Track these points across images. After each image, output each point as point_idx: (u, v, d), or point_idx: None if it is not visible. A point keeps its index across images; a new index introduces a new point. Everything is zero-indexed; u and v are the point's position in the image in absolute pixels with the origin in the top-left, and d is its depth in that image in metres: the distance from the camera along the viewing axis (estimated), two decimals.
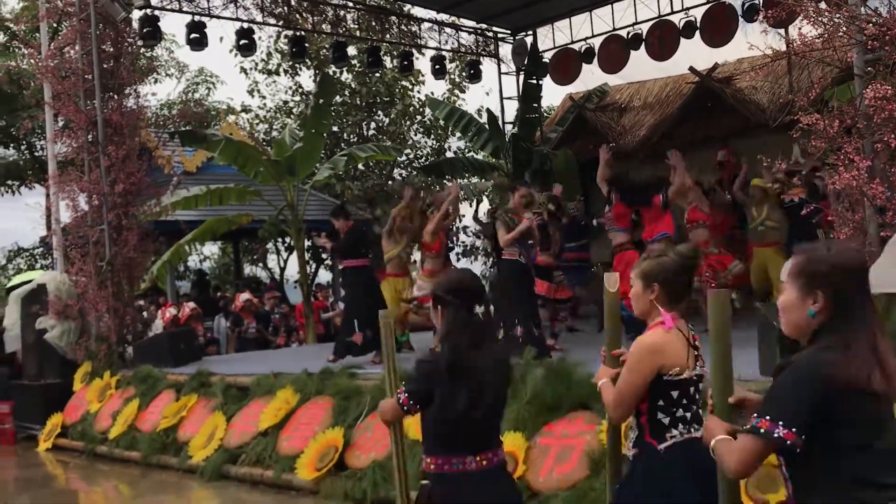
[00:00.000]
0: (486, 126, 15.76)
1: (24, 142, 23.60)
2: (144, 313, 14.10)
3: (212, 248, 26.50)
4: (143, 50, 15.55)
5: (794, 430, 2.37)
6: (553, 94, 45.22)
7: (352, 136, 22.52)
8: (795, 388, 2.41)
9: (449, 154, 23.24)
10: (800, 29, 6.78)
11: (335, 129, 21.86)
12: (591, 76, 16.09)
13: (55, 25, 14.47)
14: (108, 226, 12.29)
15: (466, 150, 22.27)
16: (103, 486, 9.34)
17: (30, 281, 13.30)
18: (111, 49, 12.56)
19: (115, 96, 12.70)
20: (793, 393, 2.41)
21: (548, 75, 16.04)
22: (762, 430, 2.41)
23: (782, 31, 8.28)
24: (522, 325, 8.48)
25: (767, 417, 2.41)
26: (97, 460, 10.00)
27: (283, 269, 24.81)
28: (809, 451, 2.40)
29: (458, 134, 18.73)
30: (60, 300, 12.14)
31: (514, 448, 6.41)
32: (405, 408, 3.49)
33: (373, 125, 23.17)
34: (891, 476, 2.37)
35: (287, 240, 22.11)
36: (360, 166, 20.89)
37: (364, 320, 9.56)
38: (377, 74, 21.13)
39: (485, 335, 3.55)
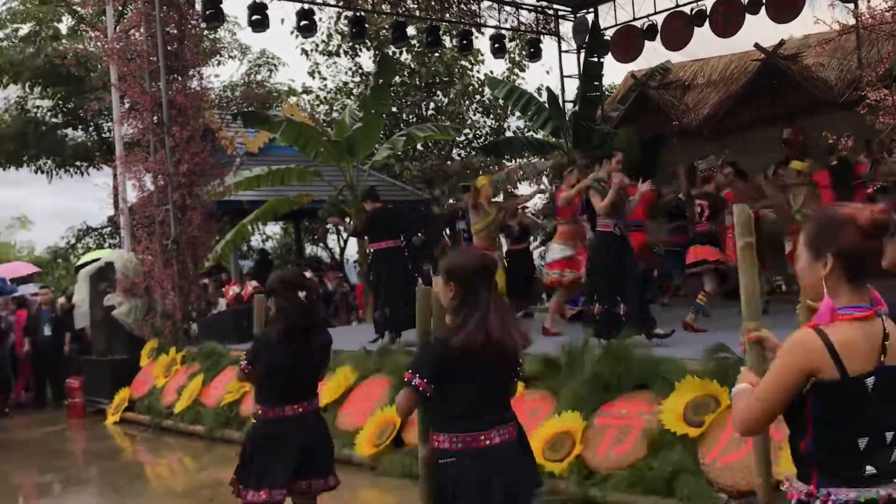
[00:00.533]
0: (546, 105, 15.65)
1: (92, 123, 24.13)
2: (208, 291, 14.38)
3: (274, 229, 26.83)
4: (206, 32, 15.77)
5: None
6: (614, 72, 44.67)
7: (411, 117, 22.57)
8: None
9: (508, 134, 23.13)
10: (868, 2, 6.59)
11: (394, 109, 21.93)
12: (653, 53, 15.87)
13: (121, 8, 14.70)
14: (173, 205, 12.52)
15: (526, 130, 22.15)
16: (168, 459, 9.57)
17: (98, 259, 13.64)
18: (175, 31, 12.77)
19: (179, 78, 12.91)
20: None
21: (609, 53, 15.86)
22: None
23: (850, 5, 8.07)
24: (625, 303, 7.87)
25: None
26: (163, 434, 10.26)
27: (342, 249, 25.03)
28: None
29: (517, 113, 18.63)
30: (127, 278, 12.42)
31: (570, 427, 6.40)
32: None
33: (432, 105, 23.18)
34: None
35: (347, 220, 22.29)
36: (419, 146, 20.92)
37: (385, 299, 9.74)
38: (436, 54, 21.12)
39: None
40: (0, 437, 11.16)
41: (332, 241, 26.05)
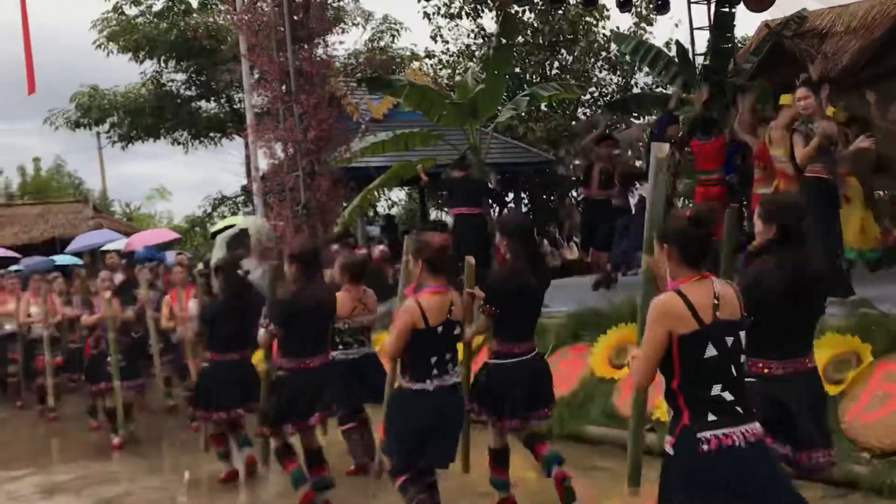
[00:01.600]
0: (676, 59, 15.15)
1: (224, 95, 24.89)
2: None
3: (399, 194, 27.11)
4: (329, 0, 15.95)
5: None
6: (747, 23, 42.81)
7: (534, 77, 22.26)
8: None
9: (636, 90, 22.55)
10: None
11: (517, 70, 21.66)
12: (787, 1, 15.10)
13: None
14: (303, 172, 12.80)
15: (654, 86, 21.55)
16: None
17: (233, 226, 14.11)
18: (300, 0, 12.96)
19: (305, 46, 13.13)
20: None
21: (741, 3, 15.18)
22: None
23: None
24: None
25: None
26: None
27: None
28: None
29: (645, 69, 18.11)
30: (261, 243, 12.80)
31: None
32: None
33: (556, 64, 22.80)
34: None
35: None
36: (543, 107, 20.66)
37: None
38: (560, 12, 20.72)
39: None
40: None
41: None
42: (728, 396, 3.03)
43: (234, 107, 24.82)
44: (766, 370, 3.88)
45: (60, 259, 17.85)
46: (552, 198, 22.14)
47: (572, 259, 16.32)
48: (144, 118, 24.31)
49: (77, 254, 17.83)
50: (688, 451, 2.99)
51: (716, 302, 3.05)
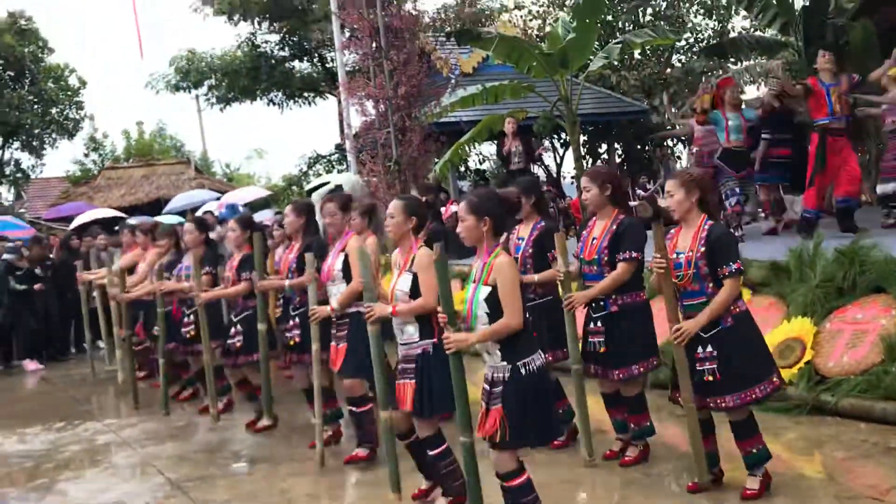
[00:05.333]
0: (774, 1, 14.62)
1: (316, 54, 25.22)
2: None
3: (490, 149, 27.07)
4: None
5: None
6: None
7: (626, 24, 21.80)
8: None
9: (732, 35, 21.88)
10: None
11: (609, 17, 21.25)
12: None
13: None
14: (394, 128, 12.94)
15: (752, 29, 20.86)
16: None
17: (328, 183, 14.37)
18: None
19: (395, 2, 13.21)
20: None
21: None
22: None
23: None
24: None
25: None
26: None
27: (559, 166, 24.88)
28: None
29: (741, 12, 17.56)
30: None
31: (801, 333, 6.14)
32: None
33: (649, 10, 22.27)
34: None
35: (562, 135, 22.11)
36: (636, 54, 20.26)
37: None
38: None
39: None
40: None
41: (547, 157, 25.97)
42: None
43: (327, 66, 25.12)
44: None
45: (164, 219, 18.51)
46: (646, 148, 21.79)
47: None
48: (240, 80, 24.85)
49: (181, 213, 18.44)
50: None
51: None
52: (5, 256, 12.64)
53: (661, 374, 6.00)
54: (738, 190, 9.66)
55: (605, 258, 5.08)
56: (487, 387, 4.04)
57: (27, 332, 12.50)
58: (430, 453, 4.70)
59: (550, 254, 5.49)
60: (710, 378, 4.43)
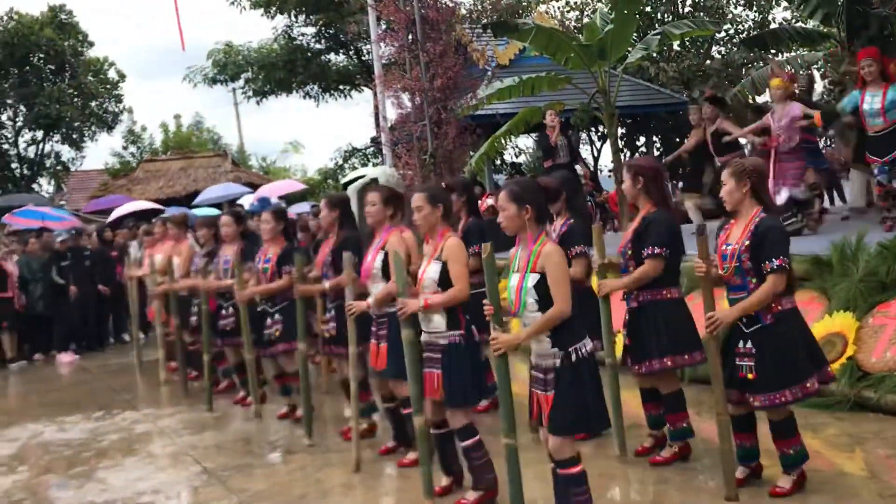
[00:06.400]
0: None
1: (352, 47, 25.28)
2: None
3: (526, 142, 26.99)
4: None
5: None
6: None
7: (666, 15, 21.62)
8: None
9: (773, 26, 21.59)
10: None
11: (648, 8, 21.08)
12: None
13: None
14: (430, 121, 12.90)
15: (793, 20, 20.57)
16: None
17: (363, 176, 14.38)
18: None
19: None
20: None
21: None
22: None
23: None
24: None
25: None
26: None
27: (596, 159, 24.74)
28: None
29: (783, 3, 17.31)
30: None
31: (843, 327, 6.03)
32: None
33: (688, 1, 22.07)
34: None
35: (600, 128, 21.96)
36: (675, 45, 20.06)
37: None
38: None
39: None
40: None
41: (584, 151, 25.84)
42: None
43: (363, 58, 25.18)
44: None
45: (198, 211, 18.66)
46: (685, 141, 21.59)
47: None
48: (277, 72, 24.98)
49: (216, 205, 18.57)
50: None
51: None
52: (62, 238, 12.92)
53: (699, 370, 5.91)
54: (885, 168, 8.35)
55: (630, 252, 5.04)
56: (540, 374, 4.02)
57: (66, 323, 12.70)
58: (463, 444, 4.69)
59: (571, 251, 5.45)
60: (749, 375, 4.34)
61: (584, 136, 24.53)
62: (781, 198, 8.98)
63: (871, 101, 8.06)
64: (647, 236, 4.94)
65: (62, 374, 11.56)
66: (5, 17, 27.74)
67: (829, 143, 12.00)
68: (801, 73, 18.05)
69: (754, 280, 4.31)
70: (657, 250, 4.88)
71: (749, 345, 4.35)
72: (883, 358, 5.76)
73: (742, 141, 11.32)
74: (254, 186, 21.71)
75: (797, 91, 10.11)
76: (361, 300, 5.53)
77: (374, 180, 13.49)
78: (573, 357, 3.92)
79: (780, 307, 4.32)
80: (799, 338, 4.39)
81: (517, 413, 4.14)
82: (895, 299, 6.03)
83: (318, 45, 25.36)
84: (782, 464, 4.46)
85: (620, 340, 5.32)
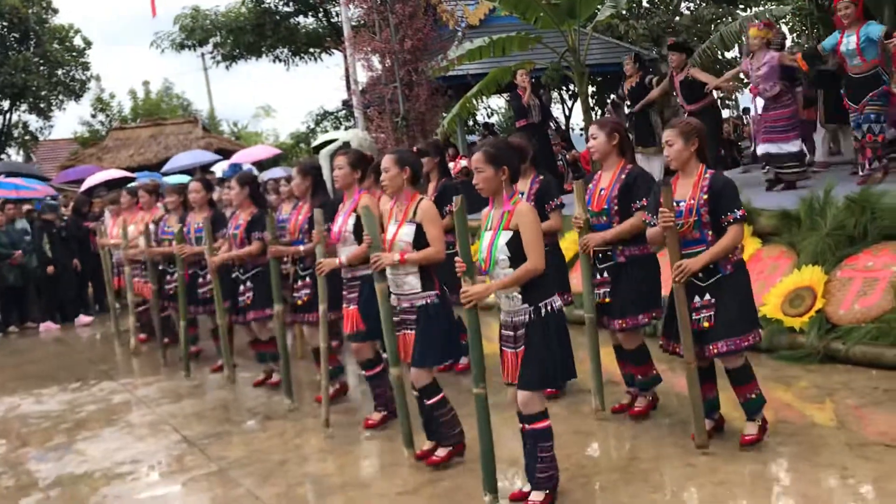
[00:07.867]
0: None
1: (321, 9, 24.95)
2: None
3: (498, 103, 26.90)
4: None
5: None
6: None
7: None
8: None
9: None
10: None
11: None
12: None
13: None
14: (400, 83, 12.82)
15: None
16: None
17: (335, 140, 14.29)
18: None
19: None
20: None
21: None
22: None
23: None
24: None
25: None
26: None
27: (567, 118, 24.72)
28: None
29: None
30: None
31: (811, 281, 6.12)
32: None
33: None
34: None
35: (571, 87, 21.91)
36: (644, 3, 20.00)
37: None
38: None
39: None
40: None
41: (556, 109, 25.80)
42: None
43: (332, 21, 24.88)
44: None
45: (169, 179, 18.49)
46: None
47: None
48: (245, 36, 24.65)
49: (188, 172, 18.41)
50: None
51: None
52: (45, 216, 12.87)
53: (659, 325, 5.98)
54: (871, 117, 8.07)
55: (616, 208, 5.05)
56: (510, 332, 4.09)
57: (49, 294, 12.73)
58: (427, 402, 4.77)
59: (548, 205, 5.66)
60: (706, 325, 4.45)
61: (554, 94, 24.49)
62: (762, 149, 9.07)
63: (847, 41, 8.07)
64: (636, 190, 4.99)
65: (38, 346, 11.50)
66: None
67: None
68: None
69: (711, 233, 4.43)
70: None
71: (707, 297, 4.47)
72: (851, 310, 5.86)
73: (715, 95, 11.37)
74: (225, 152, 21.56)
75: (774, 39, 10.15)
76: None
77: (346, 144, 13.42)
78: (542, 312, 4.00)
79: (735, 257, 4.48)
80: (749, 286, 4.57)
81: (493, 374, 4.19)
82: (862, 252, 6.12)
83: (286, 8, 25.03)
84: (745, 410, 4.58)
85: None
